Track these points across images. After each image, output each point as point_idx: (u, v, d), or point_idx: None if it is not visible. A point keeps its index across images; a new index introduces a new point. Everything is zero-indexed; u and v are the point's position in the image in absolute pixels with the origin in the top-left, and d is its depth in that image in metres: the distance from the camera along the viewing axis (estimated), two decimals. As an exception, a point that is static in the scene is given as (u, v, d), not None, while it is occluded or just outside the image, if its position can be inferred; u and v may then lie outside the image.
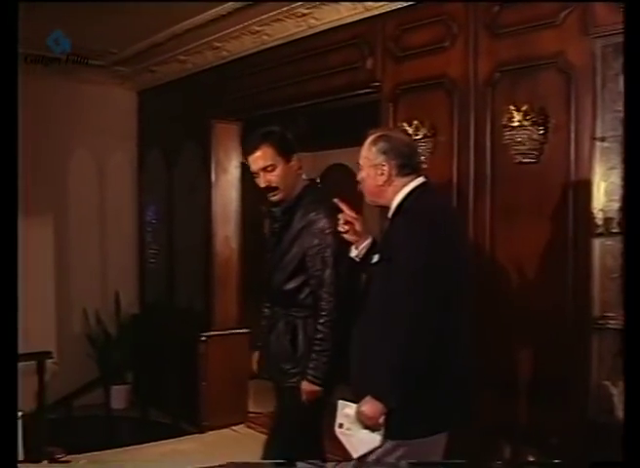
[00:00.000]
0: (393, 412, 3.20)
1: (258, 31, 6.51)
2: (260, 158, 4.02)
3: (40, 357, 6.78)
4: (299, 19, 6.07)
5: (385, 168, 3.40)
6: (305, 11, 5.93)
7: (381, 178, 3.42)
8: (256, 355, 4.38)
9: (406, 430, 3.25)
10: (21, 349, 6.63)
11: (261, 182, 4.06)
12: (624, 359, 2.59)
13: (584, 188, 4.14)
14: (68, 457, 6.01)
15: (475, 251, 4.71)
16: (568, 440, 4.19)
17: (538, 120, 4.36)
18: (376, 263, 3.39)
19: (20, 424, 4.35)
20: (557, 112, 4.31)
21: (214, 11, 6.30)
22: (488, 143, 4.67)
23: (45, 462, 4.06)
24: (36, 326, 7.64)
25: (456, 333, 3.32)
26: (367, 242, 3.65)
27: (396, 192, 3.43)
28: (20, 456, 4.31)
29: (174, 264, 8.06)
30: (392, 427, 3.23)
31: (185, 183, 7.75)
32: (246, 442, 4.12)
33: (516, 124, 4.44)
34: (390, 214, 3.44)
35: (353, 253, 3.70)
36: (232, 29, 6.65)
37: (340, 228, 3.63)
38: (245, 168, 7.56)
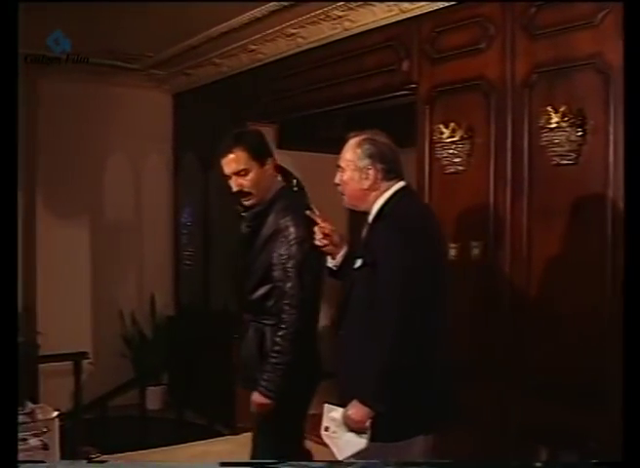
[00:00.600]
0: (379, 416, 3.19)
1: (293, 34, 6.50)
2: (232, 161, 3.82)
3: (76, 357, 6.81)
4: (334, 22, 6.05)
5: (371, 172, 3.37)
6: (341, 13, 5.91)
7: (367, 183, 3.39)
8: None
9: (392, 432, 3.24)
10: (58, 349, 6.71)
11: (233, 186, 3.86)
12: (624, 358, 2.59)
13: (623, 190, 4.08)
14: (103, 457, 6.02)
15: (512, 253, 4.71)
16: (606, 444, 4.13)
17: (576, 121, 4.30)
18: (358, 268, 3.35)
19: (57, 424, 4.36)
20: (595, 113, 4.25)
21: (249, 14, 6.30)
22: (525, 145, 4.61)
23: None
24: (73, 326, 7.71)
25: (437, 334, 3.32)
26: (344, 251, 3.63)
27: (378, 196, 3.40)
28: (57, 456, 4.32)
29: (209, 266, 8.07)
30: (379, 430, 3.21)
31: (220, 185, 7.74)
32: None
33: (554, 125, 4.38)
34: (371, 218, 3.41)
35: (330, 263, 3.67)
36: (267, 32, 6.66)
37: (319, 242, 3.60)
38: (280, 170, 7.59)
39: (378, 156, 3.38)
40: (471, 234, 4.93)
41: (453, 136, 5.02)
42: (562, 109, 4.35)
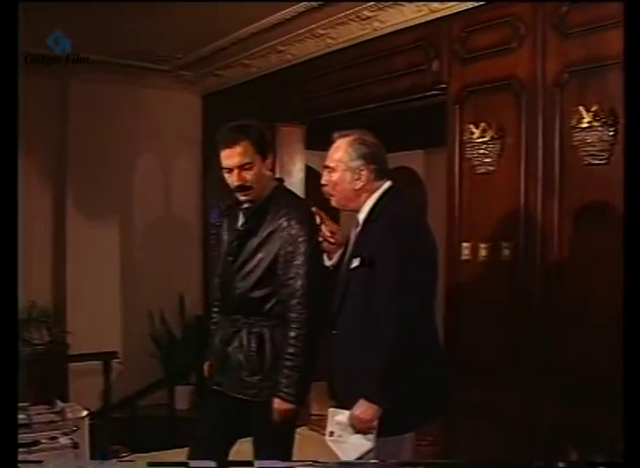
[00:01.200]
0: (385, 412, 3.21)
1: (322, 34, 6.47)
2: (238, 154, 3.64)
3: (106, 357, 6.84)
4: (363, 22, 6.02)
5: (364, 172, 3.39)
6: (370, 14, 5.88)
7: (359, 183, 3.41)
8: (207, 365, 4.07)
9: (395, 427, 3.27)
10: (88, 349, 6.72)
11: (235, 180, 3.67)
12: (624, 359, 2.60)
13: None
14: (132, 456, 6.03)
15: (543, 253, 4.66)
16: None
17: (608, 121, 4.26)
18: (355, 268, 3.34)
19: (87, 423, 4.37)
20: (628, 113, 4.19)
21: (278, 15, 6.28)
22: (556, 145, 4.57)
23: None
24: (102, 326, 7.73)
25: (432, 329, 3.44)
26: (341, 250, 3.63)
27: (368, 197, 3.42)
28: (87, 455, 4.32)
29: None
30: (383, 426, 3.23)
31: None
32: (308, 444, 4.08)
33: (586, 125, 4.35)
34: (362, 217, 3.43)
35: (328, 263, 3.67)
36: (296, 33, 6.63)
37: (329, 240, 3.61)
38: (309, 171, 7.57)
39: (370, 156, 3.41)
40: (502, 234, 4.90)
41: (483, 137, 4.99)
42: (594, 109, 4.31)
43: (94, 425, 4.65)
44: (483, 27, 5.07)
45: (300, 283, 3.65)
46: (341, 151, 3.42)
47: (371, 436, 3.25)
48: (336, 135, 3.51)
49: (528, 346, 4.74)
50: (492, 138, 4.95)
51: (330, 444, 3.36)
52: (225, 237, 3.92)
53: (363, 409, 3.21)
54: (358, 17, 5.98)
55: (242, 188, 3.70)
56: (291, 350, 3.62)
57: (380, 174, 3.44)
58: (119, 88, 7.83)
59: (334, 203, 3.52)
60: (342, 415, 3.31)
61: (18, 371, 2.57)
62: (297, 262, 3.65)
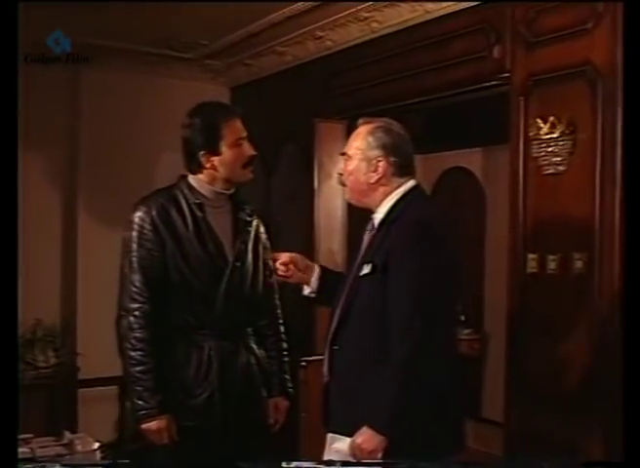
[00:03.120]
0: (391, 443, 3.12)
1: (366, 18, 6.42)
2: (241, 126, 3.84)
3: (121, 381, 6.78)
4: (414, 4, 5.94)
5: (381, 164, 3.38)
6: (421, -6, 5.82)
7: (374, 176, 3.39)
8: None
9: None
10: (101, 372, 6.70)
11: (250, 150, 3.85)
12: (624, 359, 2.70)
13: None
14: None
15: (621, 266, 4.54)
16: None
17: (700, 113, 4.14)
18: (364, 275, 3.31)
19: (98, 457, 4.35)
20: None
21: (318, -5, 6.23)
22: (639, 141, 4.45)
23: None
24: (117, 347, 7.69)
25: (451, 353, 3.40)
26: (317, 273, 3.66)
27: (387, 194, 3.41)
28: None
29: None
30: (389, 459, 3.12)
31: (285, 190, 7.67)
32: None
33: (674, 116, 4.24)
34: (379, 218, 3.41)
35: (307, 290, 3.70)
36: (337, 16, 6.56)
37: (283, 275, 3.67)
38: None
39: (391, 147, 3.39)
40: (573, 244, 4.80)
41: (552, 132, 4.89)
42: (683, 98, 4.20)
43: (106, 459, 4.63)
44: (553, 7, 4.96)
45: (277, 296, 4.13)
46: (361, 138, 3.43)
47: None
48: (360, 121, 3.55)
49: (604, 371, 4.61)
50: (562, 134, 4.84)
51: None
52: (195, 243, 3.83)
53: (366, 437, 3.13)
54: (408, -2, 5.93)
55: (253, 160, 3.88)
56: (283, 345, 4.08)
57: (403, 170, 3.42)
58: (138, 78, 7.82)
59: (347, 196, 3.57)
60: (342, 443, 3.25)
61: (18, 396, 2.56)
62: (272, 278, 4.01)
